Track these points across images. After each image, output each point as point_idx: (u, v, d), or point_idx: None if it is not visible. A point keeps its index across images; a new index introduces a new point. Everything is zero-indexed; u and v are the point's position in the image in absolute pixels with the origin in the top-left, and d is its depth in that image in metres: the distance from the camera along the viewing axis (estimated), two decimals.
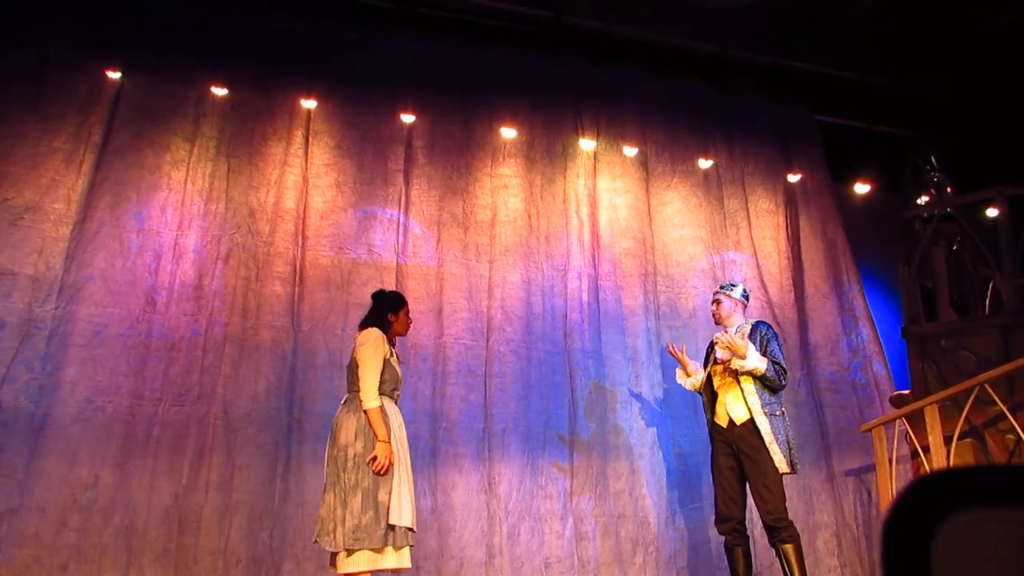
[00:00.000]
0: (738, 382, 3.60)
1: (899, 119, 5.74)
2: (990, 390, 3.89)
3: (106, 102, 4.20)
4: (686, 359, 3.95)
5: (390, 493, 3.07)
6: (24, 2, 4.18)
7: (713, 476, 3.73)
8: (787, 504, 3.53)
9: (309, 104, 4.54)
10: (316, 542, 3.12)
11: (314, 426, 4.03)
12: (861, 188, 5.66)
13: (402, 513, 3.07)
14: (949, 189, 5.02)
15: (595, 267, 4.83)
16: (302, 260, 4.32)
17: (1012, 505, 0.63)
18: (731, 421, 3.61)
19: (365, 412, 3.13)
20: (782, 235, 5.32)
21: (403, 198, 4.59)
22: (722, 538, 3.69)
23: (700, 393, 3.97)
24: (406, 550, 3.10)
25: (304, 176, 4.46)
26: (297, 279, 4.29)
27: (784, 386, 3.62)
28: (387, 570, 3.09)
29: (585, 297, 4.74)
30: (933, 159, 5.18)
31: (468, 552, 4.11)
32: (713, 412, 3.73)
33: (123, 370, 3.89)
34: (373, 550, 3.01)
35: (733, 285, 3.86)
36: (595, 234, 4.90)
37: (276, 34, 4.56)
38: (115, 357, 3.89)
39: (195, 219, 4.22)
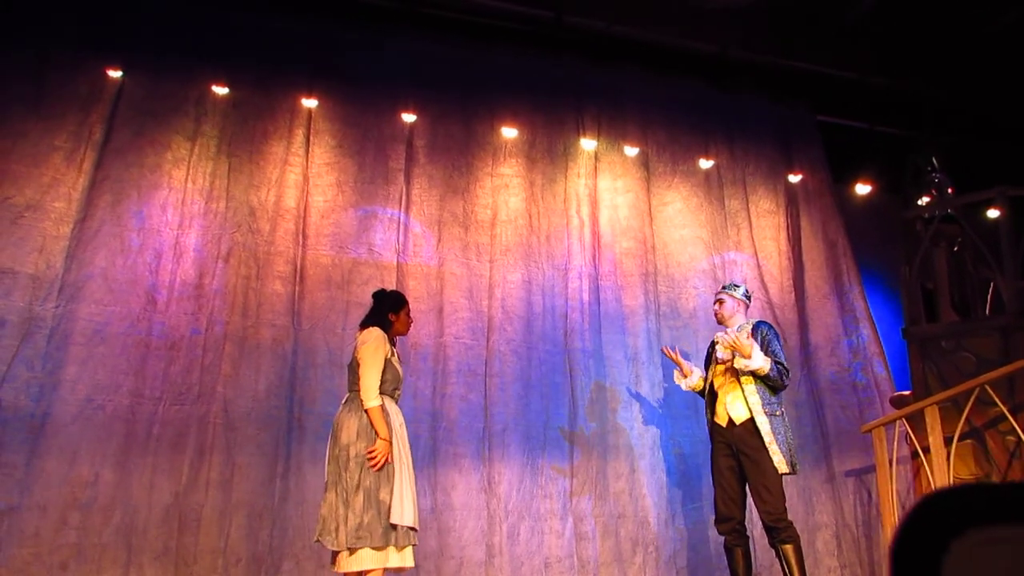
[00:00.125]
0: (739, 382, 3.60)
1: (900, 119, 5.73)
2: (990, 391, 3.89)
3: (107, 101, 4.20)
4: (681, 360, 3.96)
5: (392, 492, 3.08)
6: (25, 1, 4.18)
7: (713, 476, 3.73)
8: (787, 504, 3.53)
9: (310, 103, 4.54)
10: (318, 541, 3.12)
11: (314, 425, 4.04)
12: (862, 189, 5.66)
13: (404, 512, 3.07)
14: (950, 190, 5.02)
15: (596, 267, 4.83)
16: (303, 259, 4.33)
17: (1021, 523, 0.62)
18: (731, 421, 3.61)
19: (366, 411, 3.13)
20: (783, 235, 5.31)
21: (404, 197, 4.59)
22: (722, 538, 3.69)
23: (698, 393, 3.98)
24: (409, 549, 3.11)
25: (305, 175, 4.46)
26: (298, 278, 4.29)
27: (786, 386, 3.62)
28: (389, 569, 3.09)
29: (586, 297, 4.74)
30: (934, 160, 5.17)
31: (468, 551, 4.11)
32: (713, 412, 3.72)
33: (123, 369, 3.89)
34: (375, 549, 3.02)
35: (736, 285, 3.87)
36: (596, 234, 4.90)
37: (277, 33, 4.56)
38: (115, 356, 3.89)
39: (196, 218, 4.22)
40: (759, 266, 5.15)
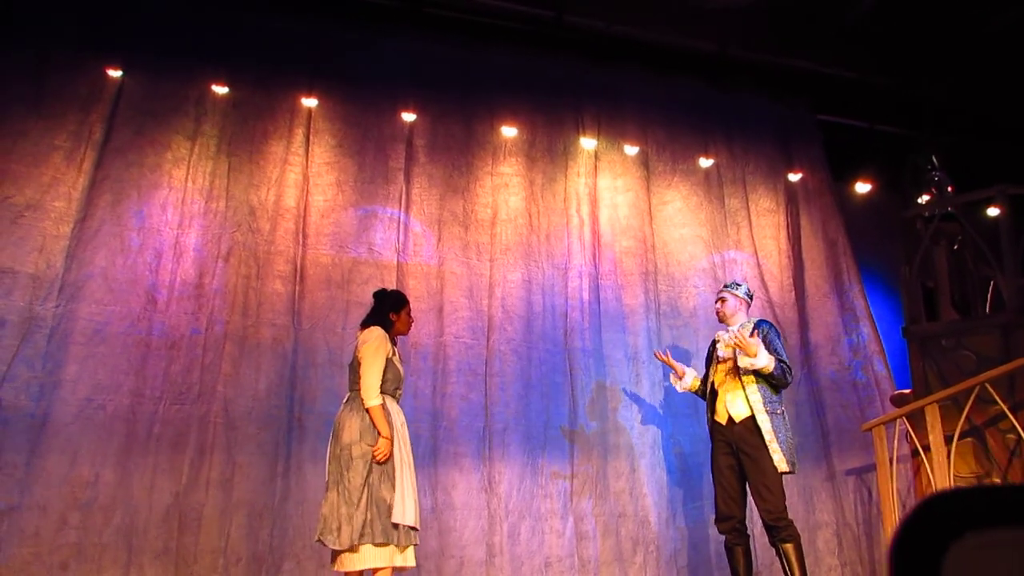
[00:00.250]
0: (740, 380, 3.60)
1: (900, 118, 5.73)
2: (991, 389, 3.89)
3: (107, 100, 4.20)
4: (674, 363, 3.97)
5: (393, 492, 3.08)
6: (25, 1, 4.18)
7: (713, 475, 3.73)
8: (787, 503, 3.53)
9: (310, 103, 4.54)
10: (319, 540, 3.12)
11: (315, 424, 4.04)
12: (862, 187, 5.66)
13: (406, 512, 3.07)
14: (950, 188, 5.02)
15: (596, 266, 4.83)
16: (303, 258, 4.33)
17: (1022, 526, 0.62)
18: (730, 419, 3.61)
19: (367, 410, 3.13)
20: (783, 234, 5.31)
21: (404, 197, 4.59)
22: (722, 537, 3.69)
23: (696, 394, 3.98)
24: (410, 549, 3.11)
25: (305, 174, 4.46)
26: (298, 277, 4.29)
27: (790, 383, 3.63)
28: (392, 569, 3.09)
29: (586, 296, 4.74)
30: (934, 158, 5.17)
31: (468, 551, 4.11)
32: (713, 410, 3.72)
33: (124, 368, 3.89)
34: (377, 546, 3.02)
35: (738, 284, 3.87)
36: (596, 233, 4.90)
37: (277, 33, 4.56)
38: (116, 355, 3.89)
39: (196, 217, 4.22)
40: (759, 265, 5.15)
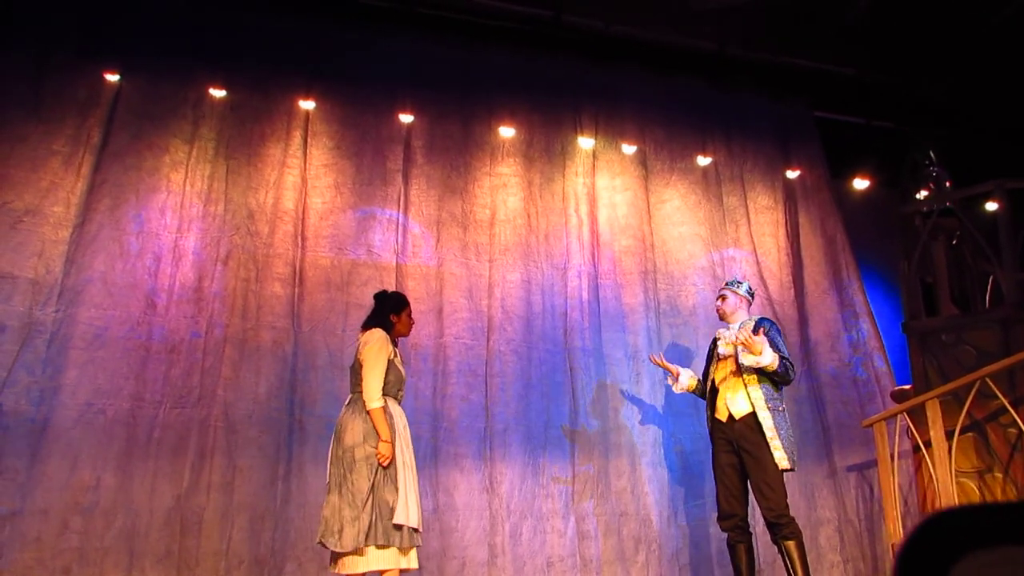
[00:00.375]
0: (742, 377, 3.60)
1: (897, 114, 5.74)
2: (991, 384, 3.89)
3: (105, 104, 4.20)
4: (669, 365, 3.98)
5: (396, 494, 3.08)
6: (23, 5, 4.18)
7: (715, 473, 3.73)
8: (788, 500, 3.53)
9: (307, 105, 4.54)
10: (320, 543, 3.12)
11: (315, 427, 4.03)
12: (860, 184, 5.66)
13: (409, 513, 3.07)
14: (948, 183, 5.02)
15: (595, 265, 4.83)
16: (302, 261, 4.32)
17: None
18: (731, 416, 3.61)
19: (369, 413, 3.14)
20: (781, 232, 5.31)
21: (402, 198, 4.59)
22: (724, 535, 3.68)
23: (694, 394, 3.98)
24: (413, 552, 3.11)
25: (303, 177, 4.46)
26: (297, 280, 4.29)
27: (792, 380, 3.63)
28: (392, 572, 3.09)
29: (585, 295, 4.74)
30: (932, 154, 5.17)
31: (470, 552, 4.11)
32: (713, 408, 3.72)
33: (124, 373, 3.89)
34: (380, 548, 3.02)
35: (739, 282, 3.87)
36: (594, 232, 4.90)
37: (274, 35, 4.56)
38: (116, 360, 3.89)
39: (194, 221, 4.22)
40: (758, 262, 5.15)
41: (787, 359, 3.56)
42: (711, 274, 5.02)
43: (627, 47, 5.15)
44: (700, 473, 4.58)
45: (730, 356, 3.67)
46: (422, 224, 4.61)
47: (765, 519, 3.53)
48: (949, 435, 3.97)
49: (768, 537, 3.64)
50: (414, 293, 4.36)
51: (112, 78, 4.23)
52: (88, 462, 3.71)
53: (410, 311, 3.50)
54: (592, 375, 4.61)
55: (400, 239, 4.52)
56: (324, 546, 3.12)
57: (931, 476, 4.04)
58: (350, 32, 4.72)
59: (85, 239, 4.00)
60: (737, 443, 3.58)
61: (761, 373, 3.54)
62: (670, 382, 4.03)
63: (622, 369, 4.68)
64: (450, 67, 4.86)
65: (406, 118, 4.68)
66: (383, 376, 3.19)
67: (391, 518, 3.04)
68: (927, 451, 4.04)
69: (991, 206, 4.75)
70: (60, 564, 3.55)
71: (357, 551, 3.01)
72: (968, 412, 3.97)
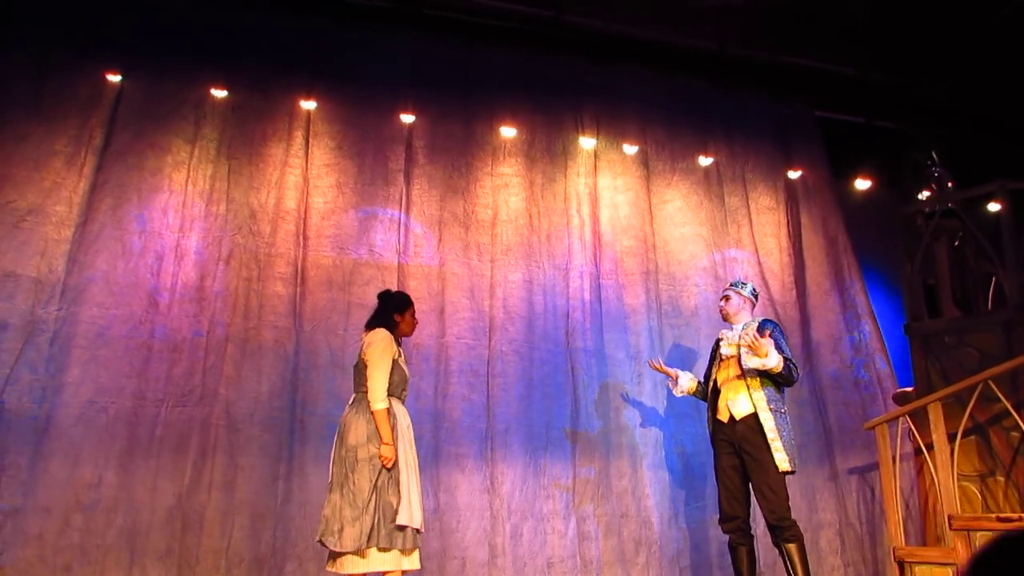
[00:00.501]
0: (744, 379, 3.59)
1: (899, 114, 5.72)
2: (994, 387, 3.87)
3: (107, 104, 4.22)
4: (668, 369, 3.98)
5: (399, 494, 3.08)
6: (23, 5, 4.20)
7: (716, 475, 3.72)
8: (790, 503, 3.52)
9: (309, 105, 4.55)
10: (320, 542, 3.12)
11: (317, 426, 4.04)
12: (862, 184, 5.64)
13: (412, 514, 3.08)
14: (950, 184, 5.00)
15: (596, 266, 4.83)
16: (303, 260, 4.33)
17: None
18: (732, 417, 3.60)
19: (372, 413, 3.14)
20: (783, 232, 5.30)
21: (404, 198, 4.59)
22: (725, 537, 3.68)
23: (696, 396, 3.98)
24: (415, 552, 3.11)
25: (305, 177, 4.47)
26: (299, 279, 4.30)
27: (795, 381, 3.62)
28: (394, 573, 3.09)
29: (587, 296, 4.74)
30: (934, 154, 5.16)
31: (471, 552, 4.11)
32: (715, 408, 3.71)
33: (126, 371, 3.90)
34: (382, 550, 3.02)
35: (743, 283, 3.86)
36: (596, 233, 4.90)
37: (276, 35, 4.57)
38: (118, 358, 3.90)
39: (196, 220, 4.23)
40: (760, 263, 5.14)
41: (791, 360, 3.55)
42: (713, 275, 5.01)
43: (628, 47, 5.14)
44: (701, 475, 4.57)
45: (733, 357, 3.67)
46: (424, 224, 4.61)
47: (766, 521, 3.52)
48: (951, 438, 3.95)
49: (769, 539, 3.63)
50: (416, 293, 4.36)
51: (113, 78, 4.25)
52: (90, 460, 3.73)
53: (414, 311, 3.51)
54: (594, 376, 4.61)
55: (402, 239, 4.53)
56: (323, 545, 3.12)
57: (933, 479, 4.02)
58: (350, 32, 4.73)
59: (87, 238, 4.01)
60: (738, 445, 3.57)
61: (764, 375, 3.54)
62: (670, 385, 4.04)
63: (624, 370, 4.68)
64: (451, 67, 4.86)
65: (407, 118, 4.69)
66: (388, 376, 3.19)
67: (394, 520, 3.05)
68: (929, 454, 4.02)
69: (994, 207, 4.73)
70: (61, 561, 3.57)
71: (358, 552, 3.01)
72: (971, 415, 3.95)
